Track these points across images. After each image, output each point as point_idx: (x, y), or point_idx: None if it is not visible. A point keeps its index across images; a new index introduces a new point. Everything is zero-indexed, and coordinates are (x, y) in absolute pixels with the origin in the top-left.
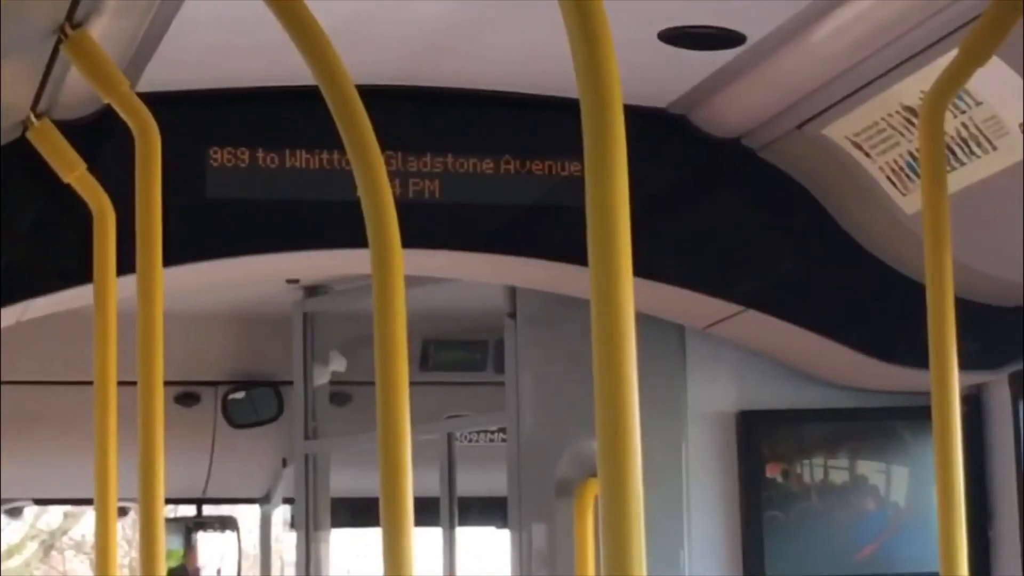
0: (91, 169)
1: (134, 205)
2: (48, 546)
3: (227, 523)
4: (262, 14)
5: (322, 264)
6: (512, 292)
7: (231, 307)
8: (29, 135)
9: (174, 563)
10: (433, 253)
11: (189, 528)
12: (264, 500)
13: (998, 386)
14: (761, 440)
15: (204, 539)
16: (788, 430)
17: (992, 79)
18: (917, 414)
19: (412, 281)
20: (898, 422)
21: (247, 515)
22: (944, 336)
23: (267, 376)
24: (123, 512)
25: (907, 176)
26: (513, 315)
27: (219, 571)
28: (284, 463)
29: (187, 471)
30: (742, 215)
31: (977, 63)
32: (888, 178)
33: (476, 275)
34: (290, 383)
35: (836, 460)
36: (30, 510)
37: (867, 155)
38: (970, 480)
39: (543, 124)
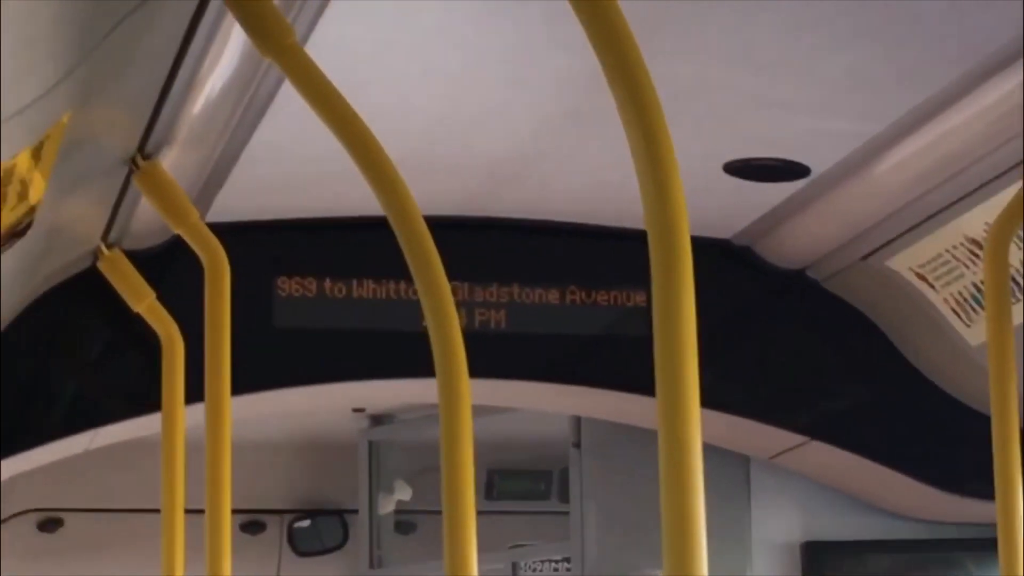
0: (160, 298)
1: (202, 334)
2: None
3: None
4: (331, 145)
5: (388, 393)
6: (577, 421)
7: (297, 435)
8: (100, 265)
9: None
10: (499, 383)
11: None
12: None
13: None
14: (825, 571)
15: None
16: (853, 561)
17: None
18: (982, 545)
19: (477, 410)
20: (964, 553)
21: None
22: (1009, 467)
23: (332, 504)
24: None
25: (971, 308)
26: (578, 444)
27: None
28: None
29: None
30: (807, 346)
31: None
32: (953, 310)
33: (541, 404)
34: (355, 511)
35: None
36: None
37: (931, 286)
38: None
39: (607, 254)
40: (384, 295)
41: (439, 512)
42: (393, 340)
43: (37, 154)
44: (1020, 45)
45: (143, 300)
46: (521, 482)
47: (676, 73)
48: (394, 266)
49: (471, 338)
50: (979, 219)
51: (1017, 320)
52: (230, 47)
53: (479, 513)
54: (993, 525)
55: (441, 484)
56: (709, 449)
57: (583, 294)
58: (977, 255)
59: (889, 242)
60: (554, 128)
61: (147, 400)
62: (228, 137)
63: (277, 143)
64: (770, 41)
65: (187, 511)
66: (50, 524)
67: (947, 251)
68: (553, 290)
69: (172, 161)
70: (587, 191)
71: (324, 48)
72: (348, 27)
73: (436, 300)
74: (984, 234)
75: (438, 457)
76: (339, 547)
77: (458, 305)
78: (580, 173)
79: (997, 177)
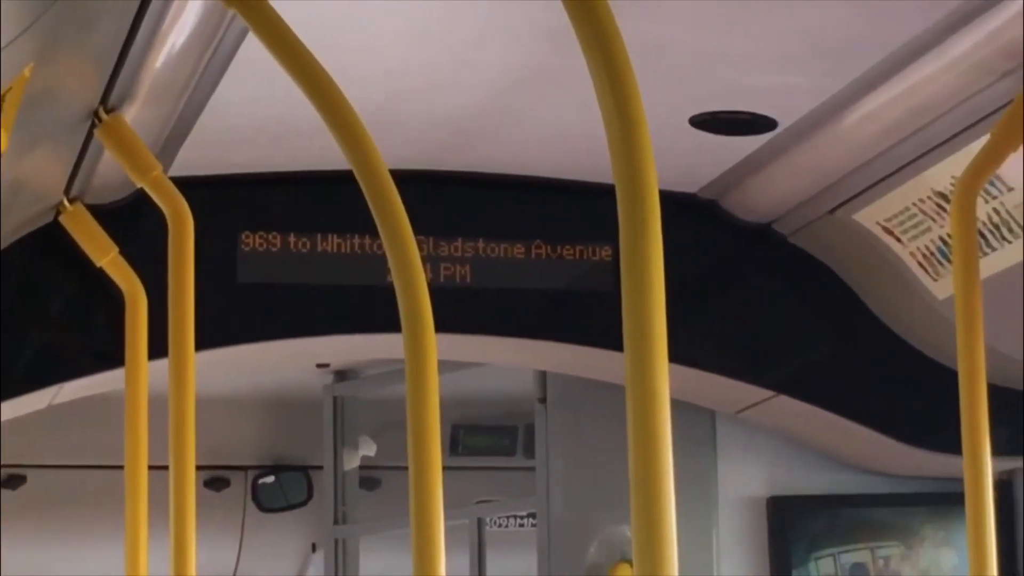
0: (123, 253)
1: (166, 289)
2: None
3: None
4: (295, 99)
5: (353, 348)
6: (543, 377)
7: (261, 391)
8: (62, 219)
9: None
10: (464, 338)
11: None
12: None
13: None
14: (792, 525)
15: None
16: (819, 515)
17: None
18: (950, 500)
19: (443, 366)
20: (931, 507)
21: None
22: (977, 421)
23: (297, 460)
24: None
25: (938, 262)
26: (543, 400)
27: None
28: (313, 548)
29: (217, 555)
30: (773, 300)
31: (1009, 148)
32: (919, 264)
33: (507, 360)
34: (320, 468)
35: (866, 545)
36: None
37: (898, 240)
38: (1002, 567)
39: (573, 209)
40: (349, 249)
41: (404, 468)
42: (358, 295)
43: None
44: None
45: (106, 255)
46: (486, 438)
47: (642, 29)
48: (359, 221)
49: (436, 293)
50: (946, 173)
51: (984, 274)
52: None
53: (444, 469)
54: (960, 480)
55: (407, 440)
56: (675, 404)
57: (548, 248)
58: (944, 209)
59: (856, 196)
60: (521, 82)
61: (111, 355)
62: (192, 90)
63: (241, 97)
64: None
65: (151, 467)
66: (13, 480)
67: (914, 205)
68: (518, 244)
69: (135, 114)
70: (553, 145)
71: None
72: None
73: (402, 254)
74: (951, 188)
75: (403, 413)
76: (303, 503)
77: (423, 260)
78: (547, 128)
79: (964, 130)
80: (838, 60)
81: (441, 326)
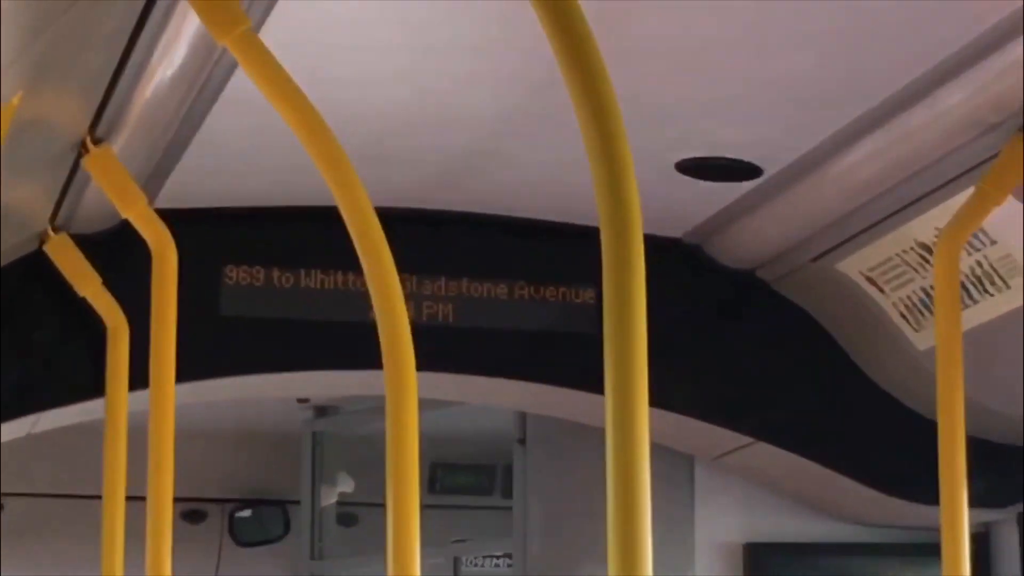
0: (107, 283)
1: (148, 320)
2: None
3: None
4: (283, 134)
5: (334, 384)
6: (522, 417)
7: (241, 425)
8: (46, 248)
9: None
10: (445, 377)
11: None
12: None
13: (1006, 525)
14: (768, 572)
15: None
16: (796, 563)
17: (1008, 218)
18: (926, 550)
19: (423, 404)
20: (907, 558)
21: None
22: (955, 473)
23: (275, 495)
24: None
25: (920, 312)
26: (523, 440)
27: None
28: None
29: None
30: (755, 347)
31: (993, 202)
32: (901, 314)
33: (487, 399)
34: (297, 502)
35: None
36: None
37: (881, 291)
38: None
39: (557, 251)
40: (332, 285)
41: (382, 505)
42: (340, 331)
43: None
44: (972, 53)
45: (89, 285)
46: (465, 476)
47: (630, 74)
48: (343, 257)
49: (418, 331)
50: (930, 224)
51: (966, 326)
52: (184, 32)
53: (422, 507)
54: (937, 530)
55: (385, 477)
56: (654, 448)
57: (531, 289)
58: (927, 260)
59: (839, 245)
60: (509, 124)
61: (91, 385)
62: (179, 123)
63: (229, 130)
64: (723, 43)
65: (128, 498)
66: None
67: (897, 255)
68: (502, 284)
69: (122, 146)
70: (539, 187)
71: (279, 36)
72: (304, 16)
73: (385, 292)
74: (935, 240)
75: (382, 450)
76: (280, 538)
77: (406, 298)
78: (533, 169)
79: (949, 182)
80: (824, 110)
81: (422, 364)
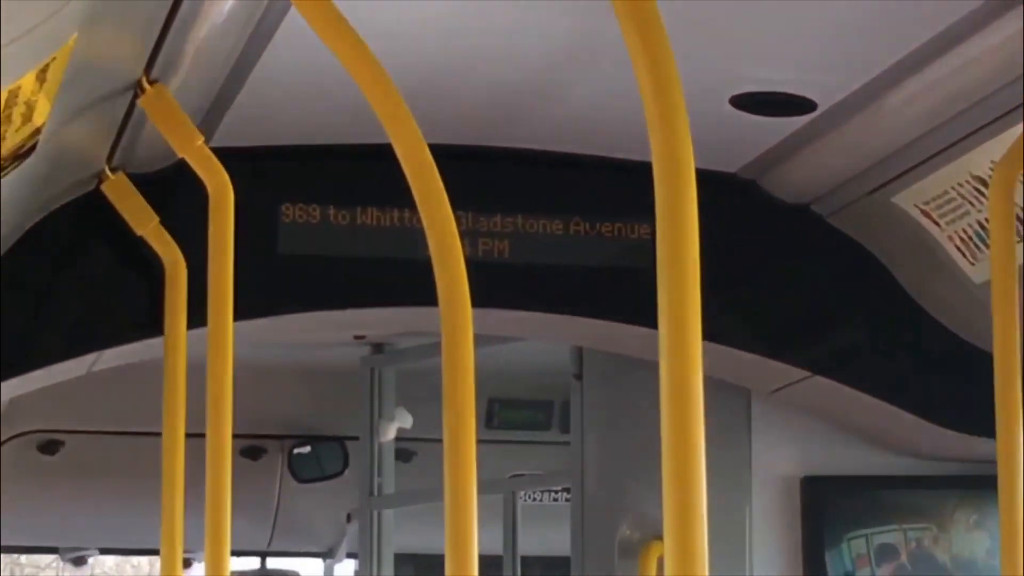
0: (164, 223)
1: (206, 259)
2: None
3: None
4: (337, 73)
5: (390, 321)
6: (579, 353)
7: (298, 362)
8: (104, 188)
9: None
10: (501, 313)
11: None
12: (328, 555)
13: None
14: (825, 506)
15: None
16: (853, 496)
17: None
18: (982, 483)
19: (479, 340)
20: (963, 490)
21: (311, 569)
22: (1010, 405)
23: (333, 431)
24: (187, 564)
25: (976, 246)
26: (579, 376)
27: None
28: (348, 518)
29: (252, 524)
30: (810, 281)
31: None
32: (957, 247)
33: (544, 335)
34: (356, 439)
35: (899, 527)
36: (94, 559)
37: (936, 224)
38: None
39: (613, 186)
40: (388, 223)
41: (439, 440)
42: (396, 268)
43: (42, 76)
44: None
45: (147, 224)
46: (522, 412)
47: (682, 7)
48: (399, 194)
49: (474, 267)
50: (985, 158)
51: (1021, 259)
52: None
53: (479, 442)
54: (993, 462)
55: (442, 412)
56: (709, 382)
57: (587, 225)
58: (983, 193)
59: (895, 178)
60: (560, 59)
61: (150, 324)
62: (234, 62)
63: (283, 69)
64: None
65: (188, 435)
66: (50, 445)
67: (952, 188)
68: (557, 221)
69: (177, 85)
70: (592, 122)
71: None
72: None
73: (440, 229)
74: (989, 173)
75: (439, 386)
76: (339, 474)
77: (461, 235)
78: (586, 104)
79: (1003, 115)
80: (879, 42)
81: (478, 300)
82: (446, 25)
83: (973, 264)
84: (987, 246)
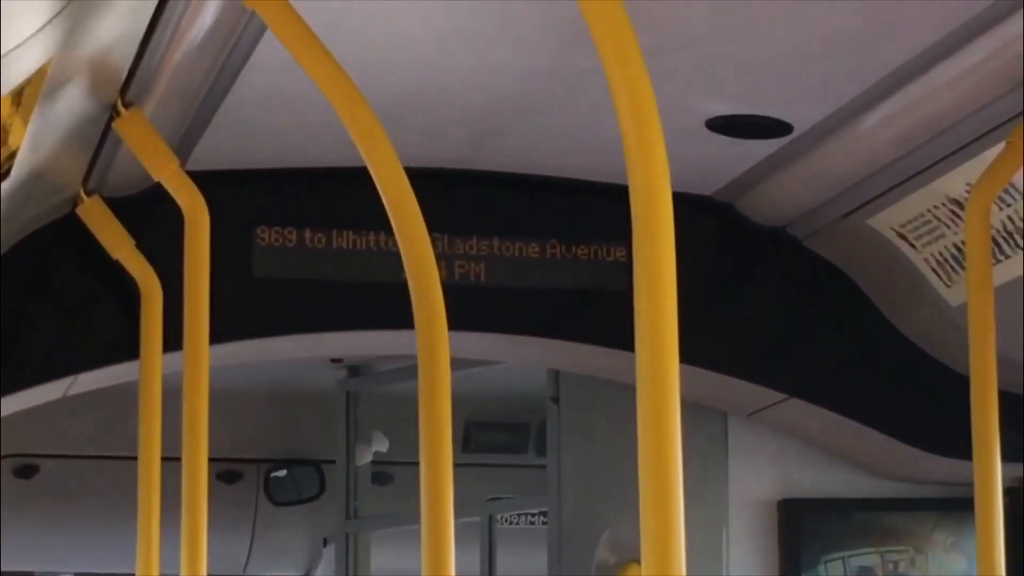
0: (139, 246)
1: (182, 282)
2: None
3: None
4: (313, 96)
5: (367, 344)
6: (556, 376)
7: (275, 385)
8: (79, 211)
9: None
10: (478, 336)
11: None
12: None
13: None
14: (802, 528)
15: None
16: (830, 519)
17: None
18: (959, 505)
19: (456, 363)
20: (940, 513)
21: None
22: (987, 427)
23: (309, 455)
24: None
25: (952, 268)
26: (556, 399)
27: None
28: (325, 542)
29: (228, 548)
30: (787, 303)
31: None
32: (933, 269)
33: (520, 358)
34: (332, 462)
35: (876, 549)
36: None
37: (912, 246)
38: (1011, 573)
39: (588, 209)
40: (364, 246)
41: (416, 463)
42: (372, 291)
43: (18, 99)
44: (1001, 9)
45: (122, 247)
46: (499, 435)
47: (659, 32)
48: (374, 217)
49: (450, 290)
50: (960, 180)
51: (997, 281)
52: None
53: (456, 465)
54: (970, 484)
55: (419, 435)
56: (686, 405)
57: (563, 248)
58: (958, 215)
59: (870, 201)
60: (537, 82)
61: (125, 347)
62: (209, 85)
63: (259, 92)
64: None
65: (164, 459)
66: (26, 470)
67: (928, 211)
68: (533, 243)
69: (153, 109)
70: (569, 145)
71: None
72: None
73: (416, 252)
74: (965, 195)
75: (416, 409)
76: (315, 497)
77: (437, 257)
78: (562, 127)
79: (979, 138)
80: (854, 66)
81: (454, 323)
82: (422, 49)
83: (949, 286)
84: (963, 268)
